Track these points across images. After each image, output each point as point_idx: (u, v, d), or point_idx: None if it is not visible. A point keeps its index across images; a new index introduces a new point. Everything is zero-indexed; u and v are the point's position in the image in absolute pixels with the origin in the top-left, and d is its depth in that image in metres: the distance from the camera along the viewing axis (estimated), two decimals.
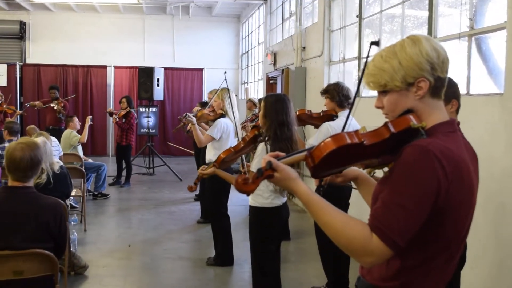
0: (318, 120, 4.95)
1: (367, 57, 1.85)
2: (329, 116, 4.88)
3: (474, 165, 1.87)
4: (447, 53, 1.85)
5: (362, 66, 1.91)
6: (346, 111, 4.74)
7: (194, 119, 6.07)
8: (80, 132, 9.63)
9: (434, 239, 1.79)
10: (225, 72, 6.21)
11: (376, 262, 1.74)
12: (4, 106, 11.32)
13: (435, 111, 1.86)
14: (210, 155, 6.07)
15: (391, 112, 1.89)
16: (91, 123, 10.18)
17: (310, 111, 5.02)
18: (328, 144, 1.78)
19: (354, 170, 2.23)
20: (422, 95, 1.82)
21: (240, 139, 4.86)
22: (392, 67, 1.82)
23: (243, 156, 4.52)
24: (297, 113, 4.93)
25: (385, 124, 1.82)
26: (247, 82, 16.14)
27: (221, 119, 6.01)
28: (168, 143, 12.09)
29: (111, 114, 11.29)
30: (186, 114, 6.10)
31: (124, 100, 11.09)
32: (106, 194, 9.84)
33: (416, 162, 1.70)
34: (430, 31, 5.25)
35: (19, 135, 7.36)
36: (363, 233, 1.72)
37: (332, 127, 4.63)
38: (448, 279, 1.91)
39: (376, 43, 1.81)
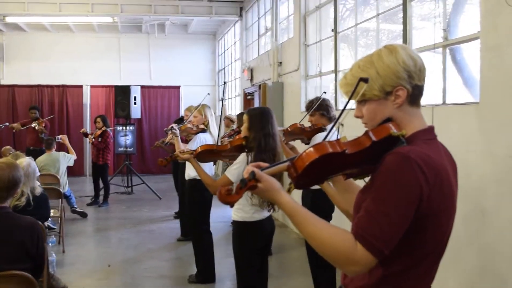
0: (309, 133, 5.06)
1: (354, 90, 1.84)
2: (319, 129, 4.98)
3: (453, 171, 1.89)
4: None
5: (339, 81, 1.91)
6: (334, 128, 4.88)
7: (178, 132, 6.03)
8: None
9: (416, 245, 1.79)
10: (208, 94, 6.17)
11: (361, 271, 1.73)
12: None
13: (414, 119, 1.87)
14: (190, 170, 6.03)
15: (370, 121, 1.89)
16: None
17: (303, 124, 5.12)
18: (310, 153, 1.77)
19: None
20: (400, 104, 1.84)
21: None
22: (370, 76, 1.83)
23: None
24: (290, 128, 5.09)
25: (366, 133, 1.82)
26: (224, 99, 16.13)
27: (200, 134, 6.00)
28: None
29: (85, 135, 11.17)
30: (172, 127, 6.06)
31: (99, 119, 11.01)
32: (84, 212, 9.75)
33: (397, 169, 1.70)
34: (405, 44, 5.30)
35: None
36: (347, 243, 1.71)
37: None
38: (431, 284, 1.90)
39: (365, 80, 1.81)
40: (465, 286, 4.27)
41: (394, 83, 1.81)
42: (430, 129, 1.89)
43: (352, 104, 1.93)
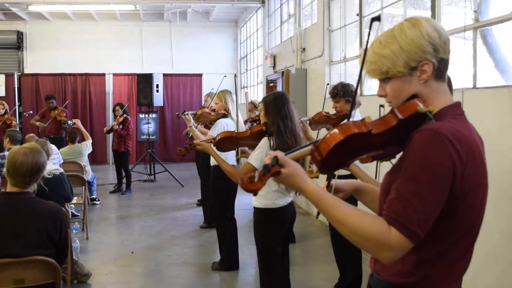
0: (335, 121, 4.98)
1: (368, 37, 1.76)
2: (345, 116, 4.86)
3: (482, 148, 1.80)
4: (452, 46, 1.78)
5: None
6: (357, 110, 4.84)
7: (191, 119, 5.97)
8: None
9: (451, 228, 1.70)
10: (225, 76, 6.11)
11: (396, 257, 1.65)
12: (6, 116, 11.21)
13: (440, 94, 1.78)
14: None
15: (395, 99, 1.81)
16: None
17: (328, 112, 5.05)
18: (335, 135, 1.69)
19: (351, 182, 2.15)
20: (426, 79, 1.75)
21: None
22: (393, 52, 1.74)
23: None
24: (315, 117, 5.04)
25: (392, 111, 1.74)
26: (246, 86, 16.07)
27: (222, 120, 5.90)
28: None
29: (110, 130, 11.05)
30: (185, 111, 5.99)
31: (117, 107, 11.07)
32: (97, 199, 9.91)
33: (428, 146, 1.62)
34: None
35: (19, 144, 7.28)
36: (379, 228, 1.63)
37: None
38: (467, 268, 1.81)
39: (377, 18, 1.72)
40: (497, 277, 4.14)
41: (419, 57, 1.73)
42: (458, 104, 1.80)
43: (367, 91, 1.83)
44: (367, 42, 1.79)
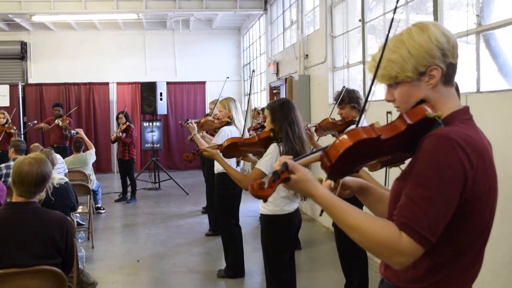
0: (341, 127, 4.96)
1: (393, 17, 1.76)
2: (351, 122, 4.85)
3: (491, 152, 1.79)
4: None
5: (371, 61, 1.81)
6: (363, 116, 4.77)
7: (195, 127, 5.98)
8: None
9: (463, 232, 1.70)
10: (227, 77, 6.11)
11: (407, 262, 1.64)
12: (6, 126, 11.16)
13: (449, 99, 1.78)
14: (218, 165, 5.96)
15: (403, 104, 1.81)
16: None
17: (334, 119, 5.06)
18: (344, 141, 1.69)
19: (357, 180, 2.13)
20: (435, 84, 1.75)
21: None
22: (401, 57, 1.75)
23: None
24: (321, 124, 5.04)
25: (400, 116, 1.74)
26: (249, 94, 16.05)
27: (225, 127, 5.88)
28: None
29: (115, 140, 11.06)
30: (188, 120, 6.01)
31: (121, 115, 11.03)
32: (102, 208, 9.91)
33: (438, 151, 1.61)
34: None
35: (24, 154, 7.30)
36: (391, 233, 1.62)
37: None
38: (478, 273, 1.81)
39: None
40: (504, 284, 4.12)
41: (428, 62, 1.73)
42: (466, 109, 1.80)
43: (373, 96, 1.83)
44: (390, 25, 1.79)
